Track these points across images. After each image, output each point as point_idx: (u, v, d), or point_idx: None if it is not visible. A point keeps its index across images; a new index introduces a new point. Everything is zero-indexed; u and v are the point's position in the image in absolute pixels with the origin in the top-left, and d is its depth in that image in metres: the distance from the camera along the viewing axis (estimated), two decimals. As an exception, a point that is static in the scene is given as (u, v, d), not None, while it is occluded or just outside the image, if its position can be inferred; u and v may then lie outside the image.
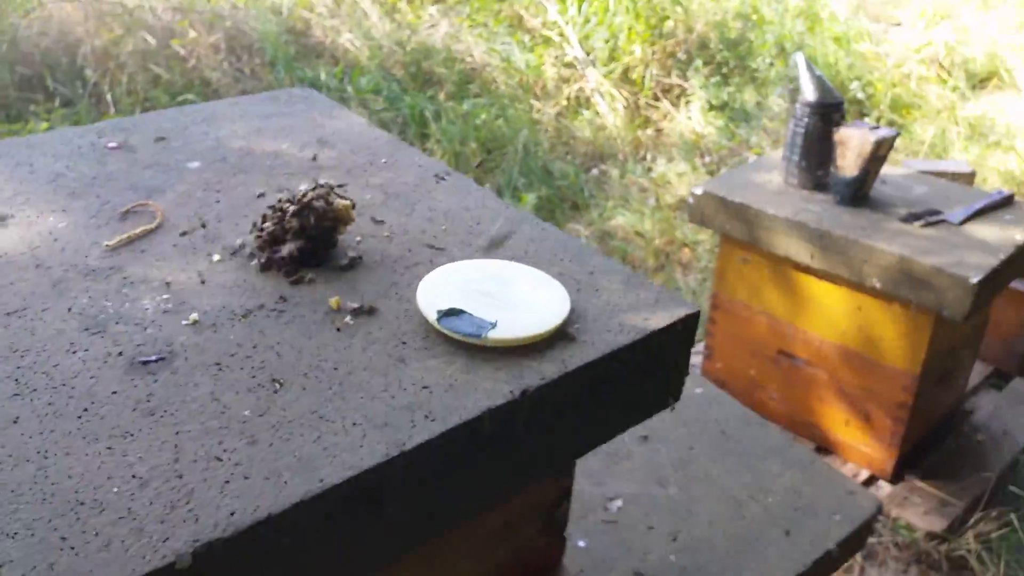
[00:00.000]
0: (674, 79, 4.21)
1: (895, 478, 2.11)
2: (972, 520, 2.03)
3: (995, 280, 1.88)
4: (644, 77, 4.20)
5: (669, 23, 4.38)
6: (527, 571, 1.02)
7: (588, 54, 4.26)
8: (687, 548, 1.34)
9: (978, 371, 2.46)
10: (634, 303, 0.88)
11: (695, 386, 1.68)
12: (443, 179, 1.11)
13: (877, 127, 2.07)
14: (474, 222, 1.02)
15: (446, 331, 0.81)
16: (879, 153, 2.04)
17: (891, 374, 2.02)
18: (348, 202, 0.91)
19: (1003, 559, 1.96)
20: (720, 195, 2.16)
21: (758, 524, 1.39)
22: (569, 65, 4.27)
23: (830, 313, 2.08)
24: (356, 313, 0.84)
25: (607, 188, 3.62)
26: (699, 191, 2.22)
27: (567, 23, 4.29)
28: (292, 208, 0.89)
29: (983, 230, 2.00)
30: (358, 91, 3.73)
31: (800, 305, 2.13)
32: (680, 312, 0.87)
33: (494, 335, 0.80)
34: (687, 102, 4.10)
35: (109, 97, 3.65)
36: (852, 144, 2.05)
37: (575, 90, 4.14)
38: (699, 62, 4.19)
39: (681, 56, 4.30)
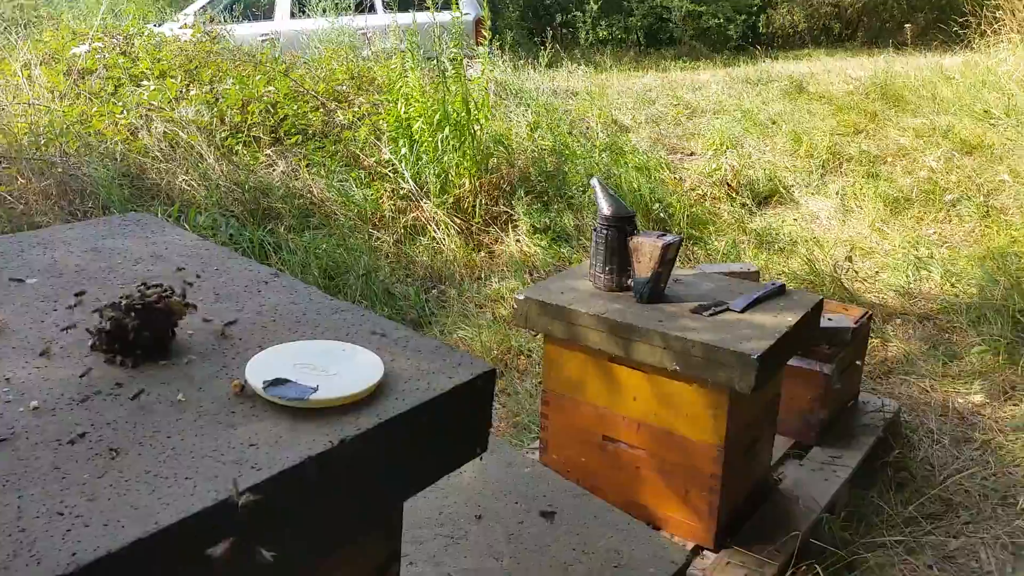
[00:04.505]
0: (501, 207, 4.59)
1: (718, 546, 2.31)
2: (787, 576, 2.24)
3: (775, 356, 2.19)
4: (474, 206, 4.54)
5: (493, 160, 4.80)
6: (364, 633, 1.10)
7: (422, 188, 4.57)
8: (521, 612, 1.45)
9: (781, 444, 2.76)
10: (441, 366, 1.04)
11: (524, 466, 1.83)
12: (271, 281, 1.24)
13: (664, 234, 2.40)
14: (301, 313, 1.15)
15: (272, 398, 0.93)
16: (668, 256, 2.36)
17: (701, 449, 2.26)
18: (180, 298, 1.03)
19: (815, 608, 2.17)
20: (540, 299, 2.40)
21: (584, 583, 1.52)
22: (405, 197, 4.56)
23: (643, 397, 2.31)
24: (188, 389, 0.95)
25: (447, 306, 3.83)
26: (521, 297, 2.45)
27: (400, 161, 4.61)
28: (128, 304, 0.99)
29: (761, 316, 2.34)
30: (195, 228, 3.79)
31: (617, 393, 2.36)
32: (478, 369, 1.03)
33: (316, 397, 0.92)
34: (514, 227, 4.46)
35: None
36: (645, 250, 2.36)
37: (411, 219, 4.41)
38: (522, 192, 4.61)
39: (506, 187, 4.70)
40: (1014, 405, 3.08)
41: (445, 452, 1.03)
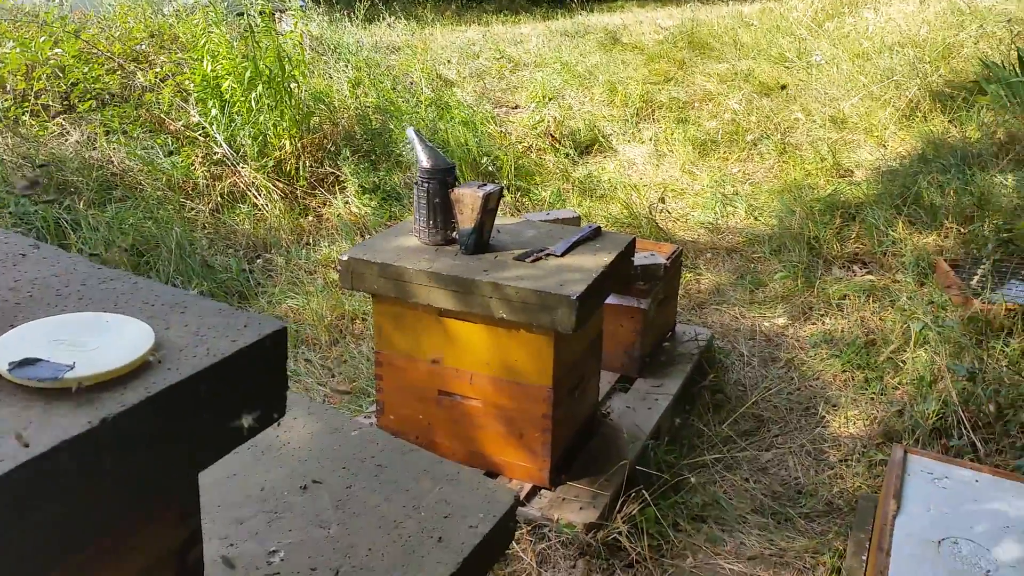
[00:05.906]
0: (327, 168, 4.43)
1: (553, 484, 2.38)
2: (619, 505, 2.35)
3: (593, 295, 2.26)
4: (297, 168, 4.35)
5: (314, 119, 4.61)
6: (169, 620, 1.03)
7: (237, 151, 4.32)
8: (350, 576, 1.42)
9: (608, 379, 2.88)
10: (224, 330, 0.97)
11: (352, 430, 1.79)
12: (30, 252, 1.12)
13: (484, 184, 2.40)
14: (62, 285, 1.04)
15: (20, 380, 0.83)
16: (489, 206, 2.37)
17: (532, 392, 2.30)
18: (-96, 279, 0.90)
19: (646, 531, 2.29)
20: (365, 258, 2.34)
21: (414, 539, 1.51)
22: (219, 163, 4.29)
23: (475, 348, 2.33)
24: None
25: (274, 275, 3.67)
26: (345, 257, 2.38)
27: (211, 123, 4.33)
28: None
29: (580, 258, 2.40)
30: (-25, 209, 3.40)
31: (449, 346, 2.36)
32: (267, 329, 0.97)
33: (71, 375, 0.83)
34: (342, 188, 4.32)
35: None
36: (466, 201, 2.35)
37: (228, 186, 4.16)
38: (348, 152, 4.46)
39: (330, 147, 4.54)
40: (812, 324, 3.37)
41: (235, 420, 0.97)
